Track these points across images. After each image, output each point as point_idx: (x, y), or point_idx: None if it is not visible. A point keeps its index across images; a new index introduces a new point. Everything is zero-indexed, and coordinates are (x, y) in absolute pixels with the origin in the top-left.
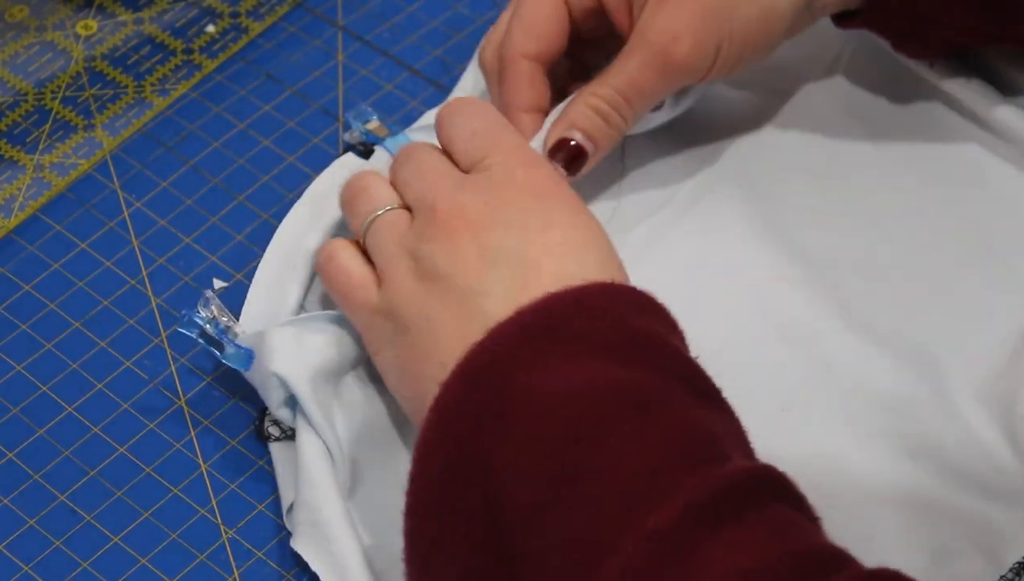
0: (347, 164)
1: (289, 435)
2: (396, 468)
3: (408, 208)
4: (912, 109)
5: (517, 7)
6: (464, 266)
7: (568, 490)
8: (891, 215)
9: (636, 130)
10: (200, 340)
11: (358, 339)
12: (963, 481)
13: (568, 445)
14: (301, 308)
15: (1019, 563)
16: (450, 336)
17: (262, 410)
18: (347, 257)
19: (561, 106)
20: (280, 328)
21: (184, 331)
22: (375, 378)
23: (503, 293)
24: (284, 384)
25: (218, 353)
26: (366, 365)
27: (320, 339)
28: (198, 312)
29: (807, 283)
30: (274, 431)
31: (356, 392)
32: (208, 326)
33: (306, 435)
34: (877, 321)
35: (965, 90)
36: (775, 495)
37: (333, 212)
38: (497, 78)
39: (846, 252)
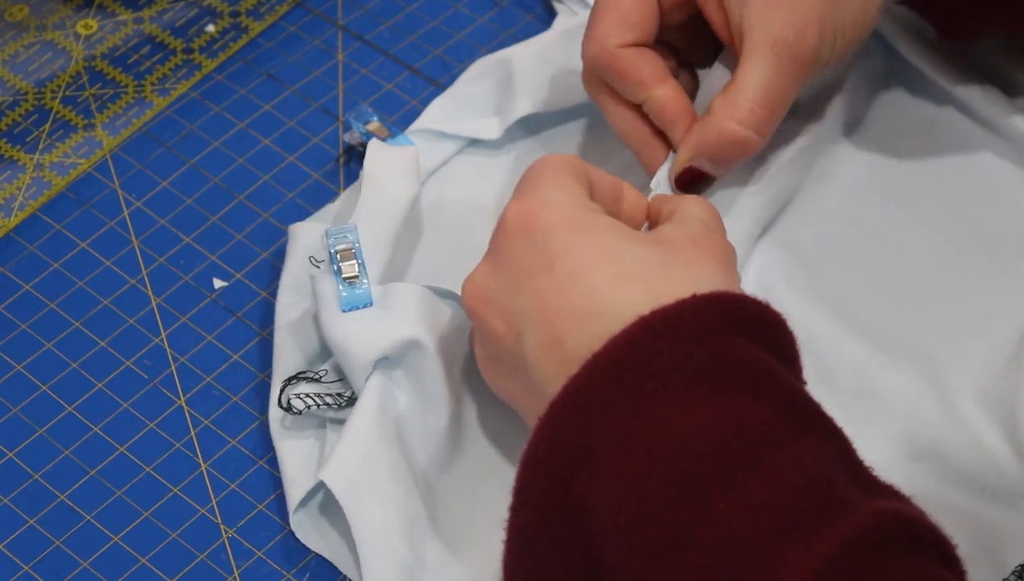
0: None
1: (311, 408)
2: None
3: None
4: (912, 109)
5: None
6: (503, 345)
7: (673, 558)
8: (891, 217)
9: None
10: (334, 265)
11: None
12: (964, 483)
13: (668, 507)
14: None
15: (1022, 565)
16: (531, 419)
17: (286, 379)
18: None
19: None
20: (417, 286)
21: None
22: None
23: (540, 357)
24: (406, 342)
25: (341, 285)
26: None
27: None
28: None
29: (807, 285)
30: (297, 404)
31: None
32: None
33: (373, 400)
34: (877, 323)
35: (971, 93)
36: (904, 543)
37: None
38: (605, 76)
39: (846, 254)
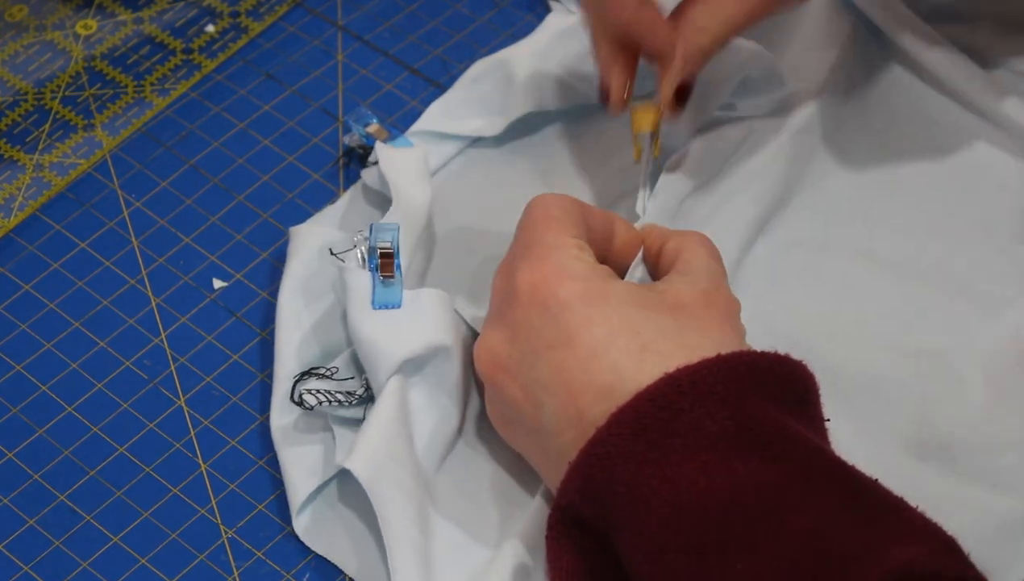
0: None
1: (322, 404)
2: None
3: None
4: (914, 104)
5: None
6: (520, 411)
7: None
8: (898, 213)
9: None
10: (373, 261)
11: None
12: (974, 479)
13: (688, 560)
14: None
15: None
16: (546, 476)
17: (298, 375)
18: None
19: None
20: (443, 293)
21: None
22: None
23: (562, 426)
24: (434, 347)
25: (379, 282)
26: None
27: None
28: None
29: (810, 283)
30: (310, 399)
31: None
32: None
33: (394, 398)
34: (884, 320)
35: (965, 83)
36: None
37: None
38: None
39: (853, 251)
